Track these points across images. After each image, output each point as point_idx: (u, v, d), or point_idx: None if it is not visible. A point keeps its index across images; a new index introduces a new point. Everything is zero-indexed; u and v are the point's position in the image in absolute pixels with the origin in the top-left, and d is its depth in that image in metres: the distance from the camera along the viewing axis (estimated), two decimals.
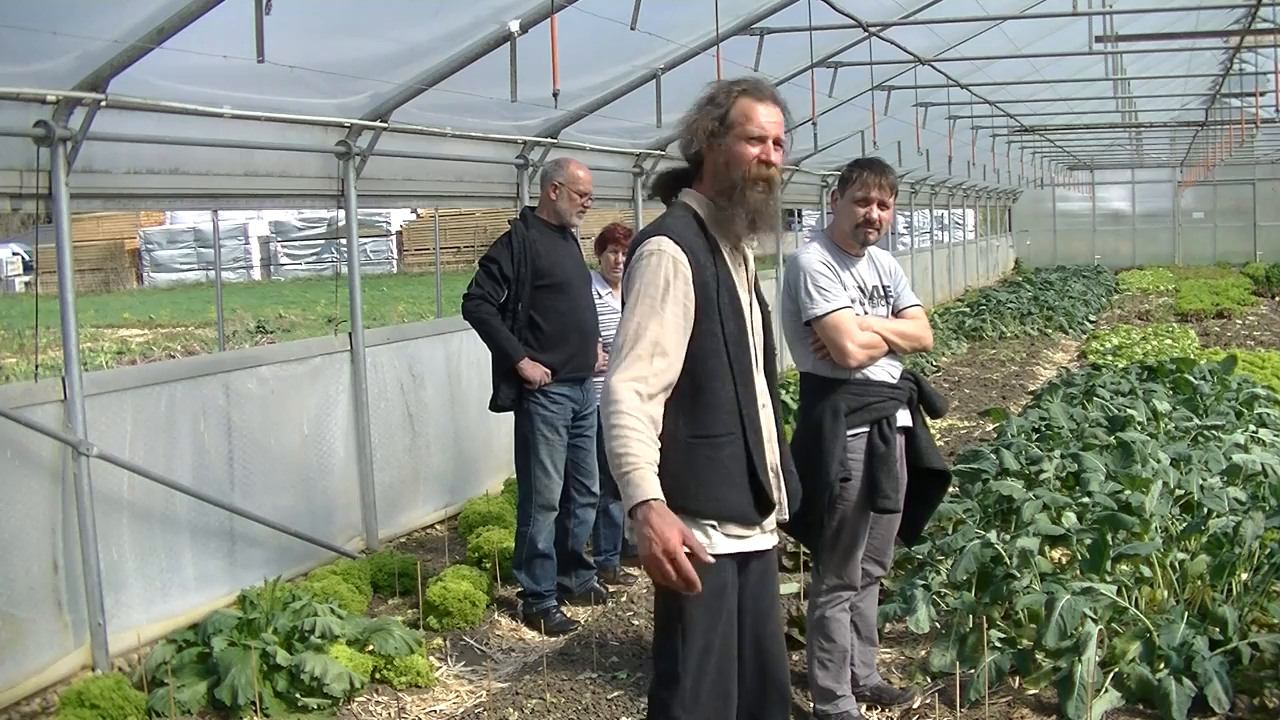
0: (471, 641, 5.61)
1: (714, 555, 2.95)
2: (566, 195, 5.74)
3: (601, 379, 3.21)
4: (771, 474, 3.14)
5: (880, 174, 4.28)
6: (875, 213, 4.28)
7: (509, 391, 5.69)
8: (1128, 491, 5.42)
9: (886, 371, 4.32)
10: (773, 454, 3.16)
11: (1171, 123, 20.30)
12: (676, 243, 3.02)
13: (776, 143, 3.11)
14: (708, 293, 3.03)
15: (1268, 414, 8.13)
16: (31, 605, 4.83)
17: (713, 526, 3.03)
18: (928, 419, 4.58)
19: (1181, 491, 5.53)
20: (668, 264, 2.98)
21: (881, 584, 4.96)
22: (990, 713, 4.54)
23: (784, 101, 3.17)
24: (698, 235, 3.07)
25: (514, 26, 6.15)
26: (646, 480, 2.79)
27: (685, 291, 2.98)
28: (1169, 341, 14.27)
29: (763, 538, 3.17)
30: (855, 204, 4.29)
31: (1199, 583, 4.98)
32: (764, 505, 3.12)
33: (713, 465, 3.03)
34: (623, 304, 3.07)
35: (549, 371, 5.64)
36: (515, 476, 6.25)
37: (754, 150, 3.07)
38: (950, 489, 5.98)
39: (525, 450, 5.74)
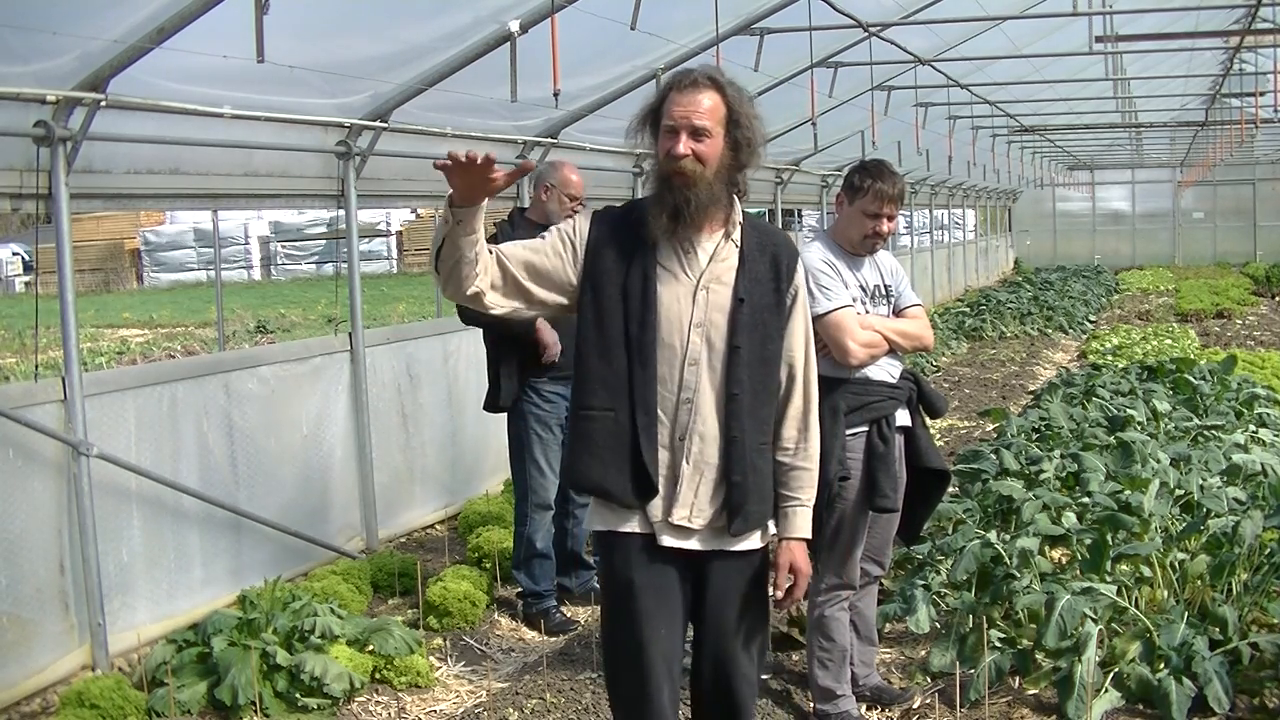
0: (471, 641, 5.61)
1: (596, 530, 3.14)
2: (557, 198, 5.70)
3: None
4: (666, 467, 3.02)
5: (892, 186, 4.27)
6: (885, 226, 4.30)
7: (511, 388, 5.65)
8: (1127, 491, 5.42)
9: (886, 371, 4.32)
10: (685, 449, 3.02)
11: (1171, 123, 20.31)
12: (597, 214, 3.15)
13: (696, 132, 2.96)
14: (603, 264, 3.05)
15: (1268, 414, 8.13)
16: (38, 606, 4.83)
17: (596, 499, 3.13)
18: (927, 419, 4.58)
19: (1181, 491, 5.53)
20: (567, 221, 3.13)
21: (881, 584, 4.96)
22: (990, 713, 4.54)
23: (727, 84, 3.02)
24: (636, 220, 3.05)
25: (514, 26, 6.15)
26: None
27: (558, 242, 3.08)
28: (1169, 341, 14.27)
29: (660, 527, 3.04)
30: (865, 216, 4.29)
31: (1199, 583, 4.98)
32: (642, 490, 3.02)
33: (582, 438, 3.07)
34: None
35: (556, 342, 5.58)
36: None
37: (667, 143, 3.01)
38: (950, 489, 5.98)
39: (519, 450, 5.73)
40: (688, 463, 3.03)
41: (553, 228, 3.16)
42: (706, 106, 2.98)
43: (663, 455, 3.03)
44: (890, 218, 4.30)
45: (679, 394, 3.02)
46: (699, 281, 3.04)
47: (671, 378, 3.02)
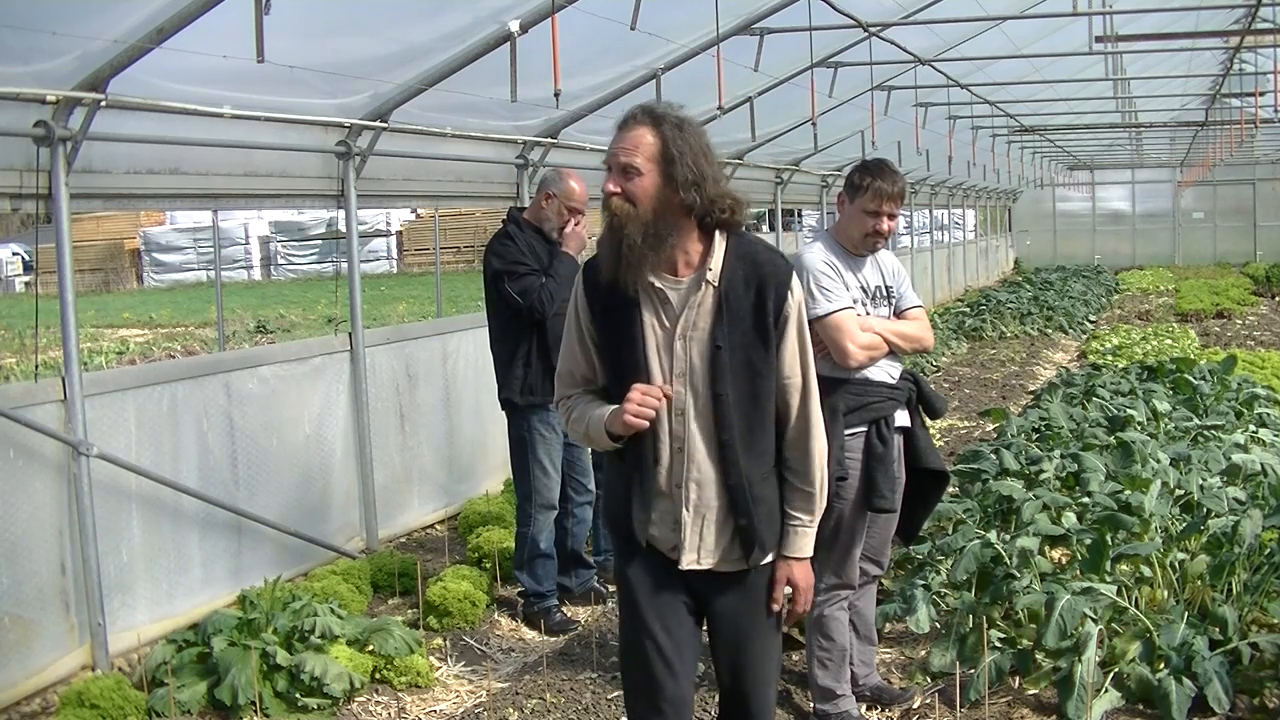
0: (471, 641, 5.61)
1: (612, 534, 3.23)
2: (557, 207, 5.69)
3: None
4: (667, 514, 3.04)
5: (892, 184, 4.28)
6: (885, 224, 4.30)
7: (544, 380, 5.58)
8: (1127, 491, 5.42)
9: (886, 372, 4.32)
10: (683, 496, 3.02)
11: (1171, 123, 20.31)
12: (585, 266, 3.12)
13: (625, 171, 2.92)
14: (596, 317, 3.07)
15: (1268, 414, 8.13)
16: (39, 607, 4.83)
17: None
18: (927, 420, 4.58)
19: (1181, 491, 5.53)
20: (573, 292, 3.16)
21: (881, 584, 4.97)
22: (990, 713, 4.54)
23: (668, 119, 2.95)
24: (608, 269, 3.01)
25: (514, 26, 6.15)
26: (599, 410, 3.03)
27: (575, 324, 3.13)
28: (1169, 341, 14.27)
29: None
30: (866, 214, 4.30)
31: (1199, 583, 4.98)
32: (634, 538, 3.07)
33: (608, 474, 3.22)
34: None
35: None
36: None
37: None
38: (950, 489, 5.99)
39: (522, 450, 5.73)
40: (688, 509, 3.02)
41: (571, 313, 3.15)
42: (635, 144, 2.93)
43: (664, 503, 3.05)
44: (891, 216, 4.31)
45: (671, 443, 3.01)
46: (676, 331, 2.99)
47: (662, 427, 3.01)
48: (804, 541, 3.11)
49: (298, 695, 4.66)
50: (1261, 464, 5.89)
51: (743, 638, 3.14)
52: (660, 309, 3.00)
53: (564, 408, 3.18)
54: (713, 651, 3.22)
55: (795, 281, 3.06)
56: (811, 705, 4.52)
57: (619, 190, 2.93)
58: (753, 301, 2.99)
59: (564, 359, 3.18)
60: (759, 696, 3.18)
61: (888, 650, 5.22)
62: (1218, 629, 4.65)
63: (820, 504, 3.13)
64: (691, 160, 2.92)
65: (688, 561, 3.04)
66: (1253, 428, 7.38)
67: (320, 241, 34.45)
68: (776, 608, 3.15)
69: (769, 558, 3.10)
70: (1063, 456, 6.44)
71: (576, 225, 5.72)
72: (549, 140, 8.12)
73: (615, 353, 3.04)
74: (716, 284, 2.99)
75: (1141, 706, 4.47)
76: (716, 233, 3.01)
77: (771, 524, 3.07)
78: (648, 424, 2.93)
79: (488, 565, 6.25)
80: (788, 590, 3.14)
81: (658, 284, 2.99)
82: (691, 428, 2.99)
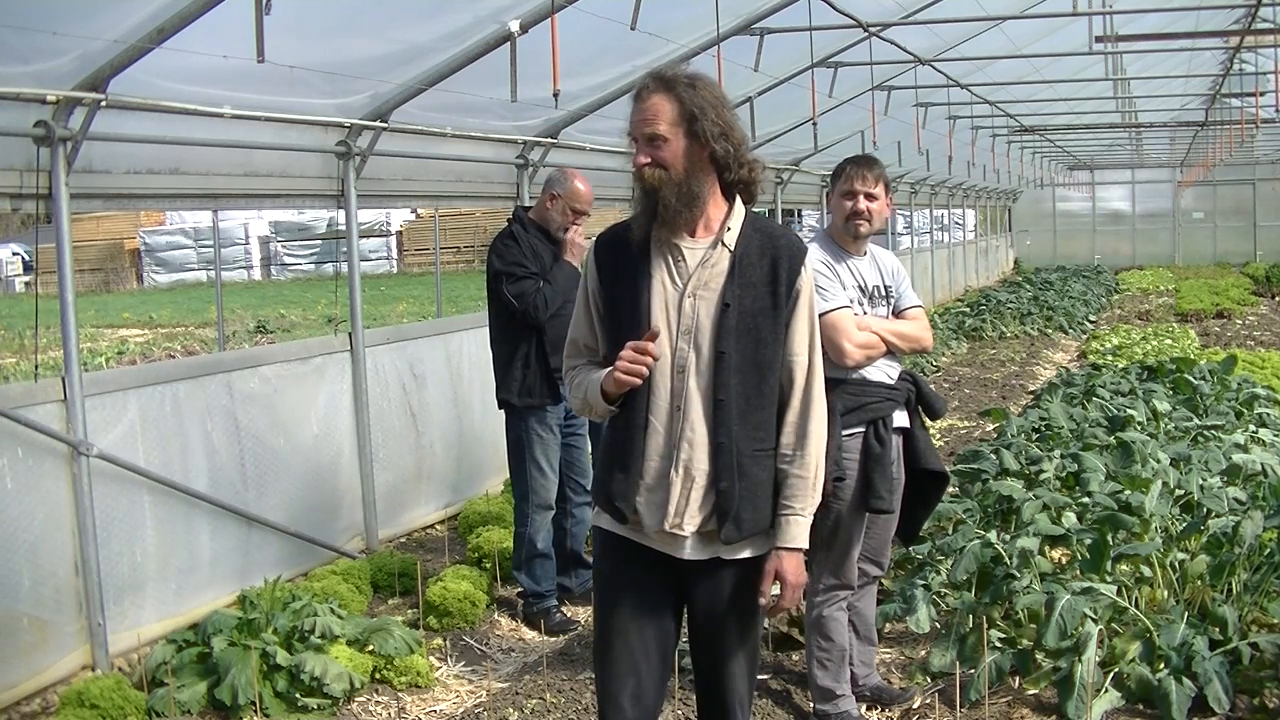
0: (471, 641, 5.61)
1: (594, 525, 3.24)
2: (561, 208, 5.70)
3: None
4: (658, 475, 3.02)
5: (864, 167, 4.38)
6: (863, 203, 4.35)
7: (537, 378, 5.60)
8: (1128, 491, 5.42)
9: (884, 372, 4.32)
10: (675, 456, 3.01)
11: (1171, 123, 20.31)
12: (598, 238, 3.19)
13: (652, 140, 2.98)
14: (605, 284, 3.12)
15: (1268, 414, 8.13)
16: (55, 607, 4.84)
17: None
18: (926, 420, 4.58)
19: (1181, 491, 5.53)
20: (587, 259, 3.23)
21: (881, 584, 4.97)
22: (990, 713, 4.54)
23: (680, 80, 3.00)
24: (640, 228, 3.07)
25: (514, 26, 6.15)
26: (596, 374, 3.06)
27: (584, 295, 3.19)
28: (1169, 341, 14.27)
29: (653, 534, 3.05)
30: (843, 197, 4.39)
31: (1199, 583, 4.98)
32: (620, 505, 3.06)
33: (602, 446, 3.20)
34: None
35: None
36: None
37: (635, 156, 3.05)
38: (950, 489, 5.99)
39: (520, 450, 5.73)
40: (677, 470, 3.01)
41: (582, 284, 3.20)
42: (655, 112, 2.99)
43: (658, 464, 3.02)
44: (869, 197, 4.35)
45: (671, 401, 3.02)
46: (686, 289, 3.02)
47: (664, 385, 3.02)
48: (796, 531, 3.06)
49: (298, 695, 4.66)
50: (1262, 464, 5.89)
51: (720, 632, 3.12)
52: (673, 267, 3.05)
53: (568, 378, 3.21)
54: (691, 644, 3.21)
55: (809, 261, 3.11)
56: (811, 705, 4.53)
57: (650, 160, 3.00)
58: (766, 271, 3.04)
59: (572, 329, 3.22)
60: (735, 690, 3.16)
61: (888, 650, 5.22)
62: (1218, 629, 4.65)
63: (815, 493, 3.08)
64: (714, 115, 3.00)
65: (670, 525, 3.01)
66: (1253, 428, 7.38)
67: (320, 241, 34.45)
68: (763, 601, 3.11)
69: (747, 552, 3.06)
70: (1063, 456, 6.44)
71: (577, 234, 5.72)
72: (549, 140, 8.12)
73: (622, 311, 3.06)
74: (732, 248, 3.04)
75: (1141, 706, 4.48)
76: (738, 199, 3.08)
77: (753, 505, 3.02)
78: (640, 381, 2.96)
79: (488, 565, 6.25)
80: (775, 585, 3.10)
81: (675, 241, 3.05)
82: (690, 385, 3.01)
